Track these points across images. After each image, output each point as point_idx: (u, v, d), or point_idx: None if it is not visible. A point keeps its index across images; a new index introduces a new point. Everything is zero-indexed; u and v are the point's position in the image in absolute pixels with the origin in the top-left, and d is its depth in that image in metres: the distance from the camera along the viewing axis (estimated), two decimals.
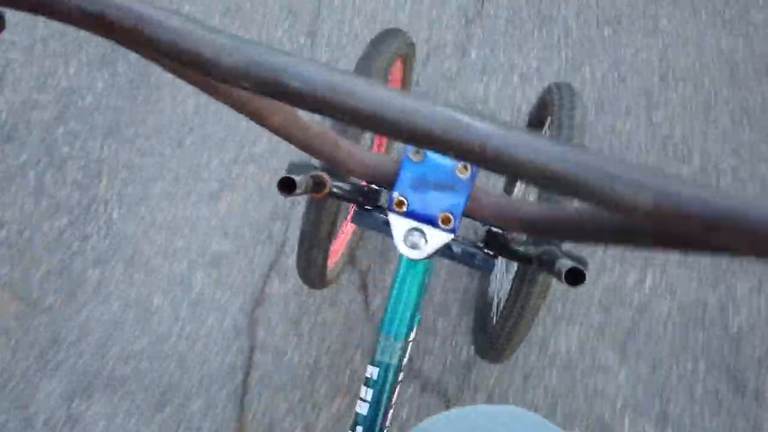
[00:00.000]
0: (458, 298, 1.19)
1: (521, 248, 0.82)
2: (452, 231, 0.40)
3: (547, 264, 0.72)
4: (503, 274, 1.10)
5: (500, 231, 0.92)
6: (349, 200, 0.84)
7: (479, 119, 0.20)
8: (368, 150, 0.41)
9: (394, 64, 0.92)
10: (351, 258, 1.20)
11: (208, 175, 1.27)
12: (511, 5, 1.45)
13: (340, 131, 0.80)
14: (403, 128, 0.20)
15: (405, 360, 0.62)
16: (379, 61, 0.85)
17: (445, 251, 0.97)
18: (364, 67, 0.84)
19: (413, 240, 0.42)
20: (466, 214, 0.40)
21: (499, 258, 1.13)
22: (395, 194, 0.40)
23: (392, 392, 0.52)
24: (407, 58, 1.04)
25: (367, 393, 0.52)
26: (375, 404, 0.52)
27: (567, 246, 1.13)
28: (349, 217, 1.11)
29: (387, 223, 0.73)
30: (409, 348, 0.62)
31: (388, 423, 0.62)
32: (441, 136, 0.20)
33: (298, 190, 0.68)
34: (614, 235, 0.27)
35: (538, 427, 0.51)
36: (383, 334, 0.53)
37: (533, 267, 0.80)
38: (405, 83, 1.11)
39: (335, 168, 0.40)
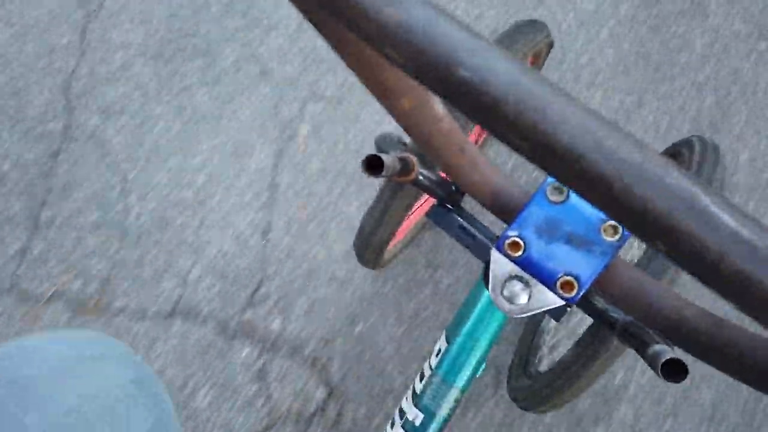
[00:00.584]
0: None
1: (610, 315, 0.71)
2: (571, 300, 0.31)
3: (634, 339, 0.61)
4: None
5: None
6: (433, 194, 0.76)
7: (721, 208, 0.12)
8: (495, 168, 0.32)
9: (526, 59, 0.81)
10: (412, 240, 1.12)
11: None
12: None
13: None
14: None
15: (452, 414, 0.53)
16: (514, 52, 0.74)
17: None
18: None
19: (513, 290, 0.33)
20: (595, 289, 0.31)
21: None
22: (511, 233, 0.31)
23: None
24: (540, 56, 0.92)
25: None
26: None
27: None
28: (421, 206, 1.02)
29: (466, 231, 0.64)
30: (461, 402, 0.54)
31: None
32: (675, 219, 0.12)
33: (384, 173, 0.60)
34: None
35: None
36: (438, 375, 0.44)
37: (612, 333, 0.70)
38: None
39: (452, 177, 0.31)
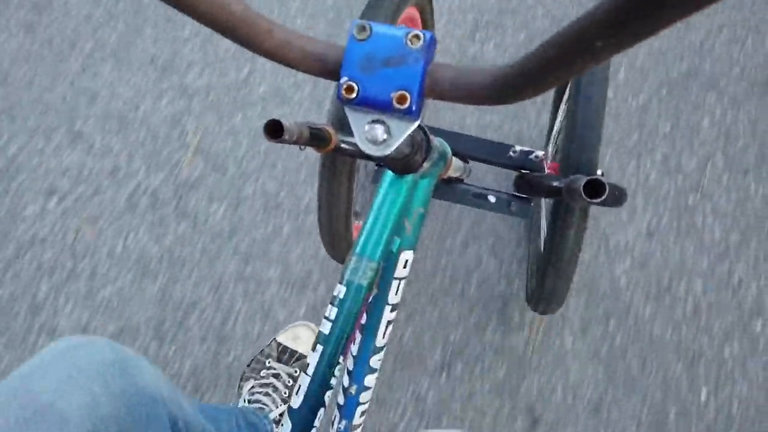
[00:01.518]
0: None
1: (553, 183, 0.74)
2: (411, 112, 0.34)
3: (573, 191, 0.64)
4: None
5: (528, 172, 0.85)
6: (361, 157, 0.80)
7: None
8: (308, 38, 0.36)
9: (404, 9, 0.85)
10: None
11: None
12: None
13: None
14: None
15: (392, 292, 0.57)
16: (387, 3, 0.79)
17: (481, 202, 0.92)
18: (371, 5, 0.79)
19: (374, 134, 0.36)
20: (425, 92, 0.34)
21: (543, 208, 1.06)
22: (343, 80, 0.35)
23: (357, 315, 0.49)
24: (423, 9, 0.97)
25: (331, 312, 0.49)
26: (339, 326, 0.48)
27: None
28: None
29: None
30: (398, 283, 0.58)
31: (353, 346, 0.59)
32: None
33: (286, 137, 0.64)
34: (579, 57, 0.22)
35: None
36: (354, 253, 0.49)
37: (564, 199, 0.73)
38: None
39: (271, 57, 0.35)
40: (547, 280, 0.83)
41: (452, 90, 0.34)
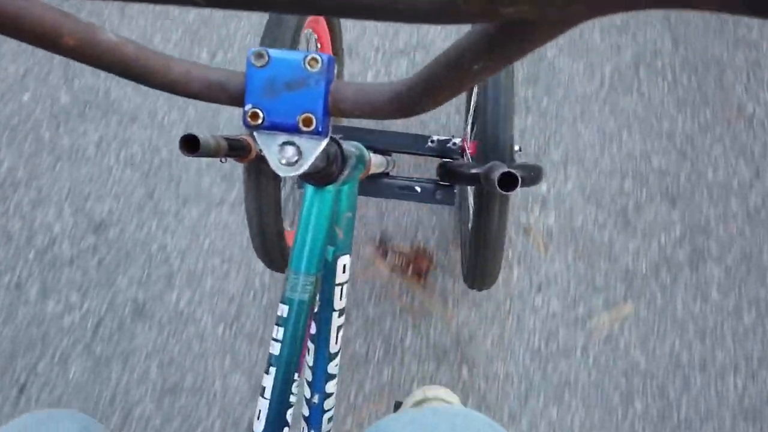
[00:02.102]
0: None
1: (471, 171, 0.78)
2: (318, 133, 0.35)
3: (490, 182, 0.68)
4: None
5: (449, 160, 0.88)
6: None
7: None
8: (208, 67, 0.36)
9: (301, 33, 0.85)
10: None
11: None
12: None
13: None
14: None
15: (336, 299, 0.59)
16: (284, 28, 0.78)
17: (407, 193, 0.94)
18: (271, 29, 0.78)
19: (286, 156, 0.37)
20: (330, 112, 0.35)
21: (471, 195, 1.10)
22: (248, 107, 0.35)
23: (304, 330, 0.50)
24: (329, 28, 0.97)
25: (278, 332, 0.49)
26: (288, 344, 0.49)
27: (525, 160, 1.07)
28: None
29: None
30: (340, 289, 0.59)
31: (308, 357, 0.60)
32: None
33: (203, 150, 0.63)
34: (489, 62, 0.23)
35: (488, 427, 0.48)
36: (291, 270, 0.50)
37: (483, 186, 0.76)
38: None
39: (173, 92, 0.35)
40: (478, 261, 0.87)
41: (355, 107, 0.35)
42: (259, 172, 0.80)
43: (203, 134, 0.62)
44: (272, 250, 0.88)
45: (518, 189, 0.64)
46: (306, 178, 0.50)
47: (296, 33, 0.79)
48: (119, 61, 0.32)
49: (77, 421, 0.48)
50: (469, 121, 1.08)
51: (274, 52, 0.35)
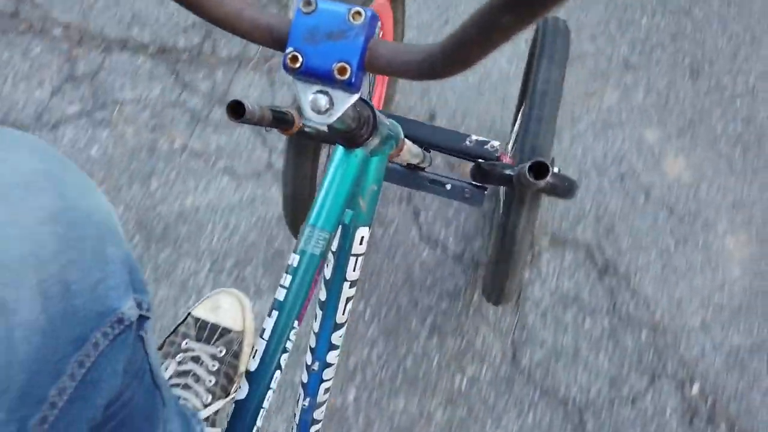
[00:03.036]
0: None
1: (505, 171, 0.78)
2: (351, 84, 0.37)
3: (521, 174, 0.68)
4: None
5: (483, 161, 0.88)
6: (325, 140, 0.82)
7: None
8: (257, 9, 0.38)
9: None
10: None
11: None
12: None
13: None
14: None
15: (350, 269, 0.60)
16: None
17: (437, 188, 0.95)
18: None
19: (317, 103, 0.39)
20: (365, 66, 0.37)
21: (501, 201, 1.09)
22: (288, 50, 0.37)
23: (311, 283, 0.51)
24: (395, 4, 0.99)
25: (286, 279, 0.51)
26: (293, 292, 0.51)
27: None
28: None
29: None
30: (355, 260, 0.60)
31: (314, 323, 0.60)
32: None
33: (248, 117, 0.66)
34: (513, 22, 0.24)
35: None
36: (308, 223, 0.52)
37: (516, 188, 0.76)
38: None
39: (221, 26, 0.38)
40: (499, 269, 0.86)
41: (389, 65, 0.37)
42: (299, 145, 0.82)
43: (250, 102, 0.65)
44: (301, 220, 0.91)
45: (547, 194, 0.64)
46: (335, 136, 0.52)
47: None
48: None
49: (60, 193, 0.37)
50: (513, 135, 1.08)
51: (322, 2, 0.37)
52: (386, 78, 1.11)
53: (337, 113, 0.39)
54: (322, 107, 0.39)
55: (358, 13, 0.37)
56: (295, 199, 0.88)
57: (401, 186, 0.92)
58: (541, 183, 0.62)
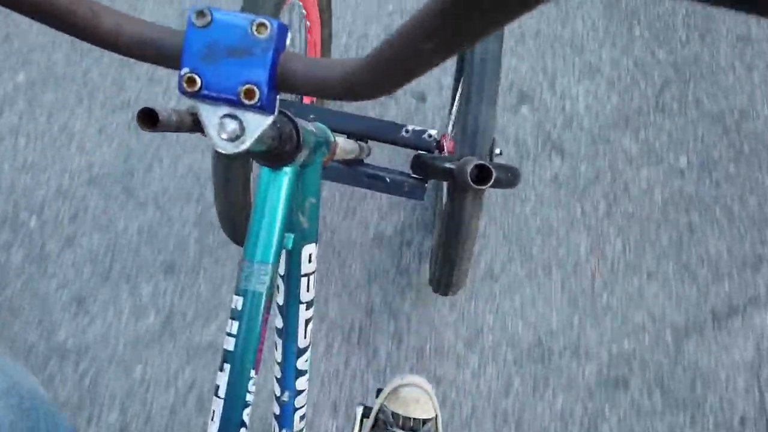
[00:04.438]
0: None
1: (445, 165, 0.75)
2: (263, 107, 0.32)
3: (462, 174, 0.65)
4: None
5: (425, 153, 0.85)
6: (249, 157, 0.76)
7: None
8: (144, 22, 0.33)
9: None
10: None
11: None
12: None
13: None
14: None
15: (303, 290, 0.55)
16: None
17: (375, 183, 0.91)
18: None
19: (226, 130, 0.34)
20: (277, 86, 0.32)
21: (444, 192, 1.07)
22: (184, 71, 0.32)
23: (261, 323, 0.45)
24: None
25: (232, 326, 0.45)
26: (242, 339, 0.45)
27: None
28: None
29: None
30: (306, 280, 0.56)
31: (276, 353, 0.56)
32: None
33: (163, 124, 0.59)
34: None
35: None
36: (245, 259, 0.46)
37: (456, 181, 0.73)
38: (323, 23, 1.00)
39: (101, 45, 0.32)
40: (445, 264, 0.83)
41: (304, 83, 0.32)
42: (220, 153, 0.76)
43: (164, 108, 0.58)
44: (241, 230, 0.85)
45: (490, 188, 0.61)
46: (257, 157, 0.46)
47: (279, 2, 0.75)
48: (42, 5, 0.29)
49: (5, 373, 0.44)
50: (452, 119, 1.05)
51: (218, 13, 0.32)
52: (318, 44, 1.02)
53: (250, 140, 0.34)
54: (231, 134, 0.34)
55: (263, 25, 0.31)
56: (230, 214, 0.82)
57: (338, 183, 0.88)
58: (485, 187, 0.59)
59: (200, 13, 0.32)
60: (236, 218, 0.83)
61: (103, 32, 0.32)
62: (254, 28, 0.32)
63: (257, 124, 0.34)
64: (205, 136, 0.70)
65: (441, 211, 1.06)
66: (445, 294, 0.94)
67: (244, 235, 0.87)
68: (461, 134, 0.78)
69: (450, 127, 1.02)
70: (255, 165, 0.83)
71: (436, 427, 0.83)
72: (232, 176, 0.77)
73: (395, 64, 0.25)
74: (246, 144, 0.34)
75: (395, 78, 0.26)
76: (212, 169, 0.79)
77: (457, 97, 1.03)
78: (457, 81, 1.08)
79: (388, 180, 0.85)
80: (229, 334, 0.45)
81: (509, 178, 0.75)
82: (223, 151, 0.35)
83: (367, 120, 0.82)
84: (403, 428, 0.80)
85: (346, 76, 0.30)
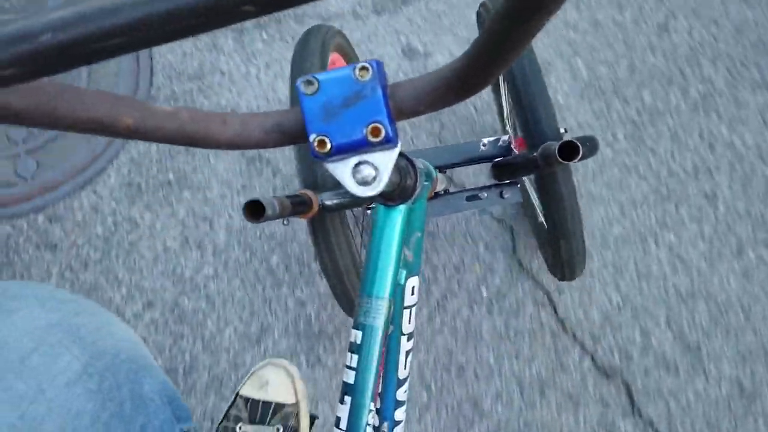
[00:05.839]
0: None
1: (528, 159, 0.75)
2: (389, 141, 0.34)
3: (549, 157, 0.65)
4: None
5: (500, 158, 0.86)
6: (347, 207, 0.79)
7: None
8: (261, 114, 0.35)
9: (330, 56, 0.86)
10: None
11: None
12: None
13: None
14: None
15: (405, 322, 0.56)
16: (311, 59, 0.79)
17: (475, 202, 0.91)
18: (298, 68, 0.79)
19: (362, 176, 0.36)
20: (395, 116, 0.34)
21: (529, 188, 1.06)
22: (312, 137, 0.34)
23: (379, 356, 0.47)
24: (344, 51, 0.98)
25: (352, 359, 0.47)
26: (362, 372, 0.46)
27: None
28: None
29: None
30: (408, 312, 0.56)
31: (380, 390, 0.56)
32: None
33: (269, 213, 0.63)
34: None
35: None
36: (363, 294, 0.48)
37: (543, 170, 0.73)
38: None
39: (234, 148, 0.35)
40: (561, 249, 0.83)
41: (418, 103, 0.33)
42: (324, 223, 0.79)
43: (264, 196, 0.61)
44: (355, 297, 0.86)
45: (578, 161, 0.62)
46: (384, 197, 0.48)
47: (324, 57, 0.80)
48: (177, 130, 0.31)
49: (49, 310, 0.36)
50: (508, 121, 1.06)
51: (321, 75, 0.34)
52: None
53: (386, 176, 0.36)
54: (368, 177, 0.36)
55: (364, 68, 0.34)
56: (343, 281, 0.83)
57: (443, 216, 0.90)
58: (576, 160, 0.59)
59: (307, 83, 0.34)
60: (348, 285, 0.85)
61: (233, 136, 0.34)
62: (357, 74, 0.34)
63: (387, 160, 0.35)
64: (305, 216, 0.73)
65: (533, 209, 1.05)
66: (571, 279, 0.93)
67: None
68: (525, 129, 0.79)
69: (509, 127, 1.02)
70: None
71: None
72: (335, 242, 0.79)
73: (494, 49, 0.26)
74: (383, 181, 0.36)
75: (496, 63, 0.27)
76: (313, 242, 0.81)
77: (503, 96, 1.04)
78: (494, 84, 1.10)
79: (485, 195, 0.87)
80: (349, 367, 0.47)
81: (589, 147, 0.75)
82: (364, 195, 0.36)
83: (448, 148, 0.84)
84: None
85: (451, 80, 0.31)
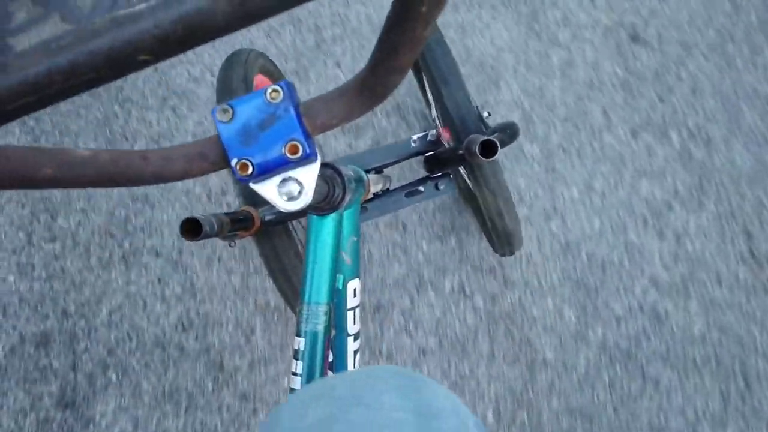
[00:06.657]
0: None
1: (455, 153, 0.79)
2: (308, 156, 0.36)
3: (473, 156, 0.68)
4: None
5: (429, 152, 0.89)
6: (288, 219, 0.80)
7: None
8: (184, 146, 0.37)
9: (255, 78, 0.87)
10: None
11: None
12: None
13: None
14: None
15: (349, 323, 0.58)
16: (235, 83, 0.80)
17: (415, 198, 0.94)
18: (222, 94, 0.80)
19: (288, 191, 0.38)
20: (310, 132, 0.36)
21: (462, 174, 1.10)
22: (234, 162, 0.36)
23: (323, 361, 0.49)
24: (266, 69, 0.99)
25: (297, 366, 0.48)
26: (307, 376, 0.48)
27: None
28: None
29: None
30: (353, 313, 0.58)
31: None
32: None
33: (207, 230, 0.62)
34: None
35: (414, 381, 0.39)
36: (302, 302, 0.50)
37: (469, 160, 0.77)
38: None
39: (157, 182, 0.35)
40: (498, 228, 0.87)
41: (332, 117, 0.36)
42: (270, 237, 0.80)
43: (202, 215, 0.61)
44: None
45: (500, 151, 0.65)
46: (312, 209, 0.50)
47: (248, 80, 0.81)
48: (98, 173, 0.32)
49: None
50: (433, 112, 1.09)
51: (234, 102, 0.36)
52: None
53: (311, 190, 0.38)
54: (294, 192, 0.38)
55: (275, 91, 0.36)
56: (294, 290, 0.85)
57: (384, 215, 0.92)
58: (495, 157, 0.63)
59: (222, 111, 0.36)
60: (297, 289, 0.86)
61: (156, 170, 0.35)
62: (269, 96, 0.36)
63: (310, 174, 0.38)
64: (247, 233, 0.73)
65: (466, 189, 1.10)
66: (512, 253, 0.99)
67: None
68: (449, 120, 0.82)
69: (436, 117, 1.06)
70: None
71: None
72: (281, 252, 0.80)
73: (399, 48, 0.28)
74: (308, 196, 0.38)
75: (403, 59, 0.29)
76: (265, 265, 0.82)
77: (427, 90, 1.08)
78: (418, 77, 1.13)
79: (423, 189, 0.89)
80: (295, 374, 0.48)
81: (509, 135, 0.79)
82: (290, 209, 0.38)
83: (381, 149, 0.86)
84: None
85: (359, 90, 0.33)
